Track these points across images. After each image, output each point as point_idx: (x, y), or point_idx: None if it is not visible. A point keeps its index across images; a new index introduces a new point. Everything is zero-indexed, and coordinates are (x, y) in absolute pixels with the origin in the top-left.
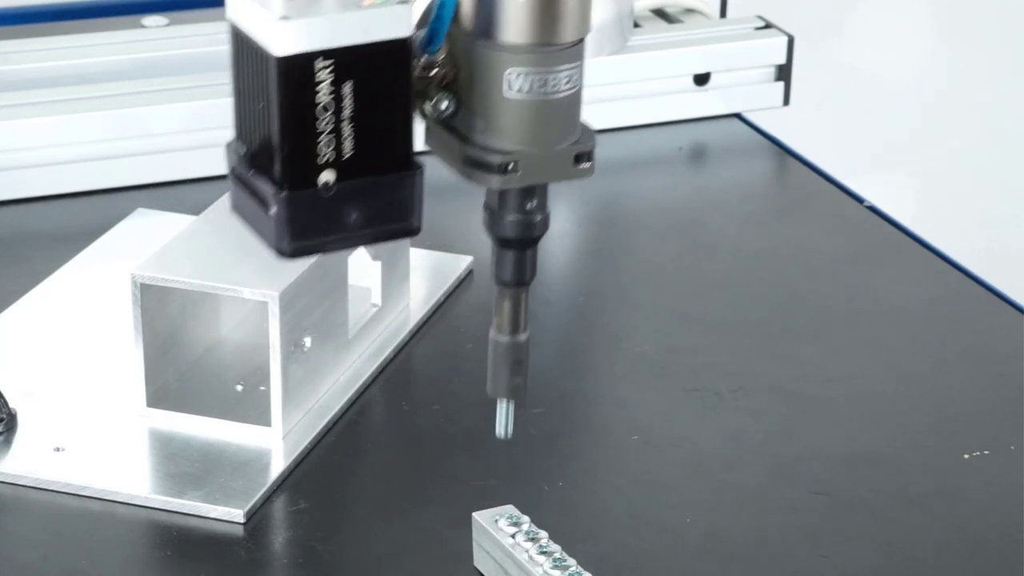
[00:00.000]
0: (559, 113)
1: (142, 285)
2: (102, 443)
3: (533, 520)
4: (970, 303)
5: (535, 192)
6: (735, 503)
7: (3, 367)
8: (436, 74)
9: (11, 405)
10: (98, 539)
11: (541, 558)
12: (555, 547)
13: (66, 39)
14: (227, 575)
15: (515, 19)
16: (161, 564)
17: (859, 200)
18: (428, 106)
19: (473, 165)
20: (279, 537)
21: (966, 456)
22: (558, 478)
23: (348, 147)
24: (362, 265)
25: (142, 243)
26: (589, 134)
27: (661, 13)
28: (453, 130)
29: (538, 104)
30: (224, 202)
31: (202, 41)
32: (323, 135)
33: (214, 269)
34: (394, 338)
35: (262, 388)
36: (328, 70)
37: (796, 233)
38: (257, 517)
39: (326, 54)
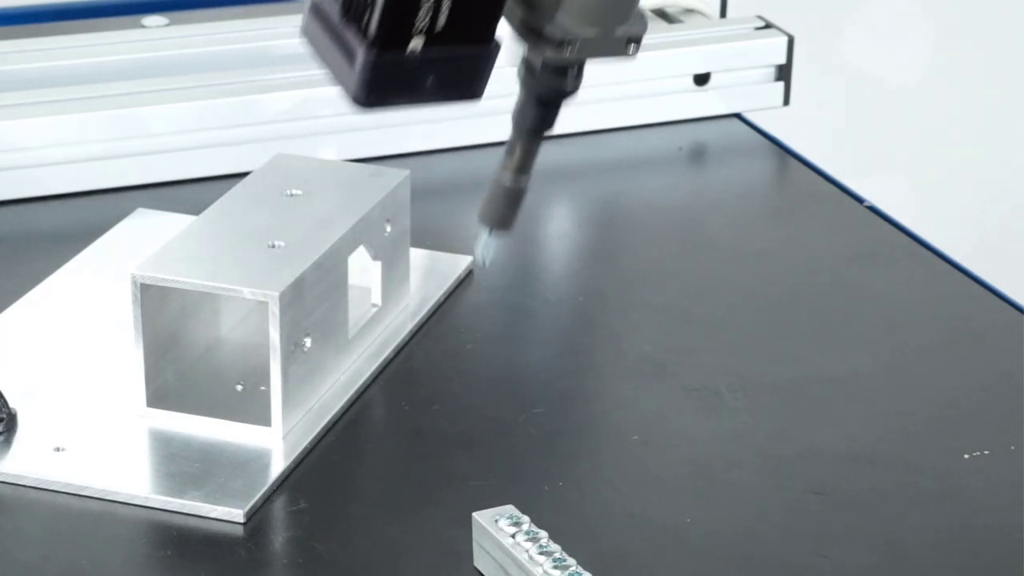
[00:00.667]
0: (625, 0)
1: (142, 285)
2: (102, 443)
3: (533, 520)
4: (970, 303)
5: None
6: (735, 503)
7: (3, 367)
8: None
9: (11, 405)
10: (98, 539)
11: (541, 558)
12: (555, 547)
13: (66, 39)
14: (227, 575)
15: None
16: (161, 564)
17: (859, 200)
18: None
19: (531, 33)
20: (279, 537)
21: (966, 456)
22: (558, 478)
23: (442, 20)
24: (362, 265)
25: (142, 243)
26: (642, 20)
27: (661, 13)
28: None
29: None
30: (224, 202)
31: (202, 41)
32: (423, 7)
33: (214, 269)
34: (394, 338)
35: (262, 388)
36: None
37: (796, 233)
38: (257, 517)
39: None
